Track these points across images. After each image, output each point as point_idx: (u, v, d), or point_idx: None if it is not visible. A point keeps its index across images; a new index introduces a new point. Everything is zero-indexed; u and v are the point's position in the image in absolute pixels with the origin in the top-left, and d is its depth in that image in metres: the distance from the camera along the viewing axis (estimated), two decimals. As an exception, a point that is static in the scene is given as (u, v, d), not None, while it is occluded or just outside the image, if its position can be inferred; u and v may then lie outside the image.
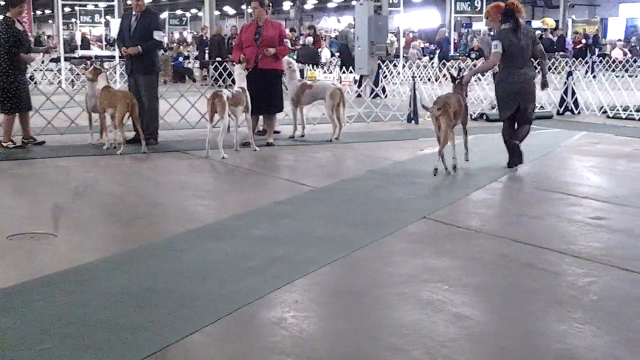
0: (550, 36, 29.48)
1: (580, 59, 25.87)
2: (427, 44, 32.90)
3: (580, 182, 8.22)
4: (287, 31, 13.80)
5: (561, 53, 27.71)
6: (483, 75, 16.56)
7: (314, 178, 8.34)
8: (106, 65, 11.31)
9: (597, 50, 31.19)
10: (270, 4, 11.31)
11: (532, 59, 8.89)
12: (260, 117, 11.07)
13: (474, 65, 21.56)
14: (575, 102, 15.27)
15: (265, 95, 10.49)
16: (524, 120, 8.82)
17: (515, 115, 8.78)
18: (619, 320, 4.05)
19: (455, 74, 11.64)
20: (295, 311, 4.18)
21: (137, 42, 10.41)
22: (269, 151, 10.31)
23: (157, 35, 10.61)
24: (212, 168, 9.19)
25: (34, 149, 10.18)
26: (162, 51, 21.17)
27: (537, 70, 9.19)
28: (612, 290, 4.55)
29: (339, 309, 4.28)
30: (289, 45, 10.89)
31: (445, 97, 8.51)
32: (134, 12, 10.68)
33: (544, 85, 9.04)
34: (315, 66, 22.15)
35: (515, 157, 8.71)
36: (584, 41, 29.98)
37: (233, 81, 14.84)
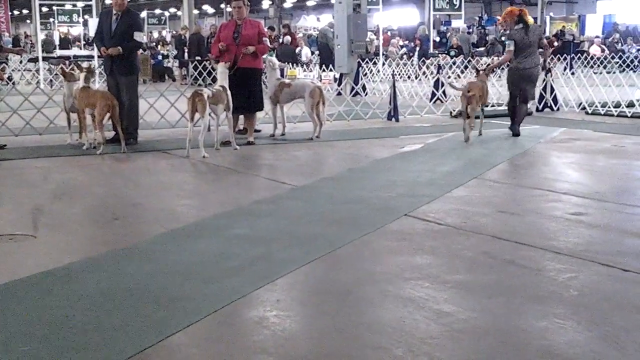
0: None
1: (558, 55, 26.00)
2: (406, 42, 32.95)
3: (560, 179, 8.27)
4: (266, 30, 13.78)
5: (540, 50, 27.79)
6: (462, 73, 16.78)
7: (295, 176, 8.33)
8: (84, 64, 11.22)
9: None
10: (249, 3, 11.28)
11: (538, 50, 11.53)
12: (241, 116, 11.06)
13: (454, 63, 21.70)
14: (554, 99, 15.36)
15: (245, 94, 10.47)
16: (523, 99, 11.43)
17: (519, 94, 11.35)
18: (599, 315, 4.07)
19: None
20: (277, 310, 4.17)
21: (117, 42, 10.36)
22: (249, 150, 10.29)
23: (137, 36, 10.57)
24: (192, 167, 9.16)
25: (10, 150, 10.07)
26: (141, 51, 21.10)
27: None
28: (593, 286, 4.58)
29: (320, 307, 4.28)
30: (268, 44, 10.87)
31: (473, 83, 11.25)
32: (114, 12, 10.61)
33: (543, 68, 12.23)
34: (294, 65, 22.14)
35: (515, 125, 11.40)
36: (556, 44, 30.18)
37: (213, 80, 14.82)
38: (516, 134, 11.32)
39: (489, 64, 15.22)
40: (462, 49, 27.19)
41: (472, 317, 4.06)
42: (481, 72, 11.76)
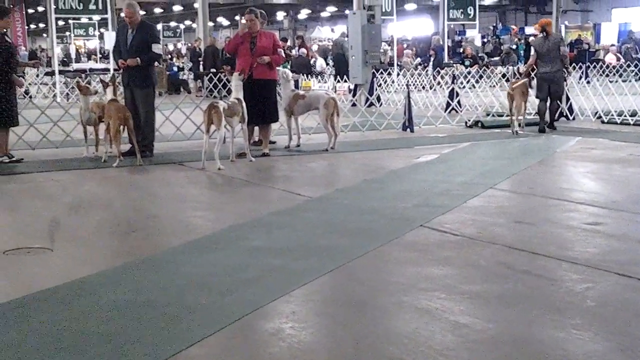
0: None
1: (573, 64, 25.92)
2: (417, 53, 32.90)
3: (576, 188, 8.24)
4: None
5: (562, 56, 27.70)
6: (477, 83, 16.84)
7: (310, 188, 8.34)
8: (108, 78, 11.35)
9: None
10: (264, 15, 11.33)
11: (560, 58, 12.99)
12: (256, 127, 11.09)
13: (468, 73, 21.71)
14: (570, 108, 15.29)
15: (260, 105, 10.50)
16: (554, 97, 13.16)
17: (548, 95, 13.01)
18: (617, 326, 4.05)
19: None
20: (293, 322, 4.18)
21: (134, 55, 10.42)
22: (264, 162, 10.31)
23: (155, 48, 10.64)
24: (208, 179, 9.19)
25: (27, 163, 10.12)
26: (156, 63, 21.21)
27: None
28: (610, 296, 4.55)
29: (336, 318, 4.28)
30: (283, 55, 10.91)
31: (518, 82, 13.03)
32: (129, 26, 10.68)
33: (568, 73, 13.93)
34: (309, 76, 22.19)
35: (544, 123, 13.08)
36: (571, 54, 30.08)
37: (228, 92, 14.87)
38: (552, 127, 13.14)
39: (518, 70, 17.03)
40: (477, 58, 27.15)
41: (489, 328, 4.05)
42: (523, 74, 13.83)
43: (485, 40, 38.19)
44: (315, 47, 36.29)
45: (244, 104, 9.99)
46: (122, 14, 11.15)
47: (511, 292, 4.65)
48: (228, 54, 12.34)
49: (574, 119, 15.20)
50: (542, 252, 5.49)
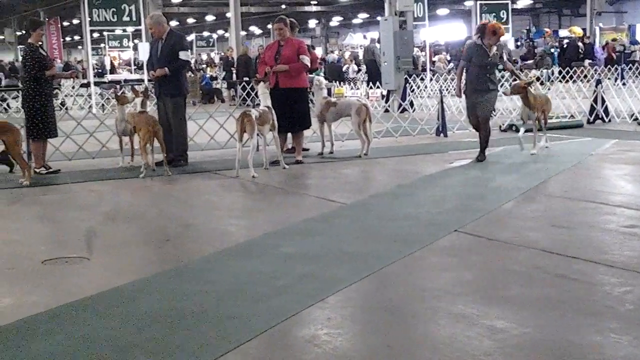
0: (580, 44, 29.30)
1: (609, 66, 25.69)
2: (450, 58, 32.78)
3: (613, 191, 8.14)
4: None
5: (589, 61, 27.51)
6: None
7: (344, 194, 8.34)
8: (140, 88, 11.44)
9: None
10: (296, 23, 11.35)
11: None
12: (289, 135, 11.12)
13: (502, 77, 21.51)
14: (606, 110, 15.14)
15: (289, 113, 10.52)
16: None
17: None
18: (656, 329, 3.99)
19: None
20: (328, 328, 4.17)
21: (163, 64, 10.50)
22: (298, 169, 10.33)
23: (183, 55, 10.70)
24: (242, 187, 9.23)
25: (64, 174, 10.22)
26: (190, 73, 21.38)
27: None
28: (649, 300, 4.49)
29: (371, 325, 4.27)
30: (306, 62, 10.81)
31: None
32: (158, 37, 10.78)
33: None
34: (341, 83, 22.21)
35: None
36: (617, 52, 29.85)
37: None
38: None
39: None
40: (511, 62, 26.95)
41: (526, 333, 4.01)
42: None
43: (519, 43, 37.96)
44: (347, 54, 36.37)
45: (273, 111, 10.02)
46: None
47: (548, 297, 4.60)
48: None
49: (609, 121, 15.04)
50: (579, 256, 5.43)
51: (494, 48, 10.19)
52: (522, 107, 10.86)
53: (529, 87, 10.77)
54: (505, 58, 10.71)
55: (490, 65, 10.24)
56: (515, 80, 11.96)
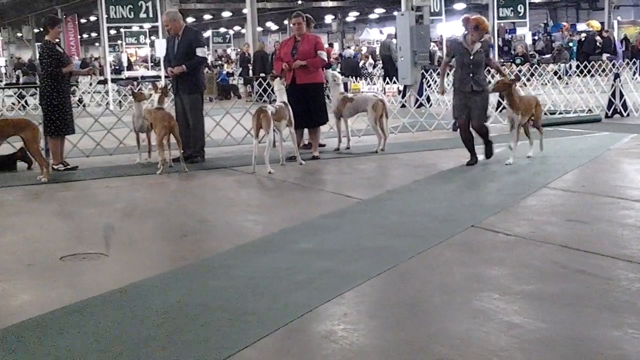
0: (598, 38, 29.09)
1: (627, 60, 25.49)
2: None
3: (632, 186, 8.09)
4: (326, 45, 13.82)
5: (607, 55, 27.31)
6: (528, 81, 16.56)
7: (360, 190, 8.33)
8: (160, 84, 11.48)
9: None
10: (312, 19, 11.35)
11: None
12: (305, 130, 11.13)
13: (519, 71, 21.42)
14: (624, 105, 15.04)
15: (305, 108, 10.53)
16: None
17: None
18: (675, 324, 3.97)
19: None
20: (345, 324, 4.18)
21: (180, 61, 10.53)
22: (314, 164, 10.33)
23: (200, 52, 10.72)
24: (258, 183, 9.25)
25: (82, 171, 10.27)
26: (206, 69, 21.41)
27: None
28: (667, 295, 4.47)
29: (388, 320, 4.27)
30: (323, 57, 10.84)
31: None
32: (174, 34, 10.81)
33: None
34: (357, 78, 22.17)
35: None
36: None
37: (277, 96, 14.92)
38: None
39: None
40: (528, 56, 26.84)
41: (543, 328, 4.00)
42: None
43: (536, 37, 37.71)
44: (364, 50, 36.31)
45: (289, 107, 10.02)
46: None
47: (565, 292, 4.59)
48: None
49: (628, 115, 14.95)
50: (597, 251, 5.41)
51: (478, 45, 9.49)
52: (507, 108, 9.81)
53: (514, 85, 9.77)
54: (491, 55, 10.14)
55: (473, 64, 9.42)
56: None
